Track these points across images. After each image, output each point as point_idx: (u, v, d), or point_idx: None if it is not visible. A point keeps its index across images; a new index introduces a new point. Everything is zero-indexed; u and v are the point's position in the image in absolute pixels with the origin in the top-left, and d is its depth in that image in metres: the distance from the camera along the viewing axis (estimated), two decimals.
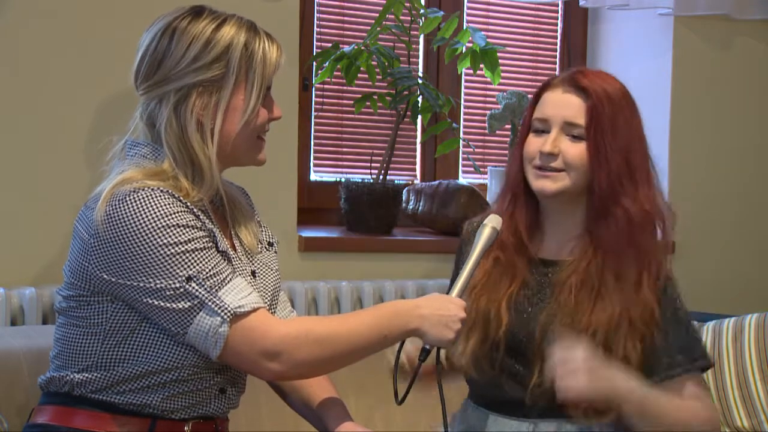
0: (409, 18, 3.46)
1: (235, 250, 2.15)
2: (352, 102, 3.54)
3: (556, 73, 4.08)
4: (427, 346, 2.10)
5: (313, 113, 3.66)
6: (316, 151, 3.69)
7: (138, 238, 1.97)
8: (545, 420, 2.23)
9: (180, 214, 2.00)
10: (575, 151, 2.21)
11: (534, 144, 2.24)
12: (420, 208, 3.60)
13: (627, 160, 2.21)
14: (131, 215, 1.97)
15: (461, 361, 2.25)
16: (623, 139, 2.22)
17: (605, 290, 2.20)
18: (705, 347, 2.29)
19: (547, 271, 2.27)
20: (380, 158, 3.57)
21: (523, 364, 2.23)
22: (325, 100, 3.68)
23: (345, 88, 3.58)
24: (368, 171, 3.57)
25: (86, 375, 2.05)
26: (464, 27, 3.66)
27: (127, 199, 1.98)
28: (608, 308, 2.18)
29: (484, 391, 2.29)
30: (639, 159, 2.24)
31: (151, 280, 1.97)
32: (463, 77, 3.90)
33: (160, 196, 1.99)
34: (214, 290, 1.99)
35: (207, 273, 1.99)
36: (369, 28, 3.49)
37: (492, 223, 2.19)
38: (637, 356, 2.18)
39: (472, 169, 3.82)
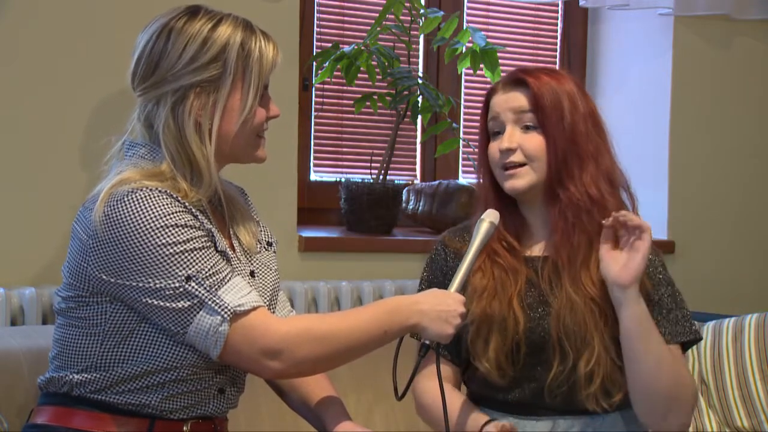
0: (409, 18, 3.46)
1: (234, 250, 2.15)
2: (352, 102, 3.54)
3: None
4: (427, 342, 2.11)
5: (313, 113, 3.66)
6: (316, 151, 3.69)
7: (136, 238, 1.97)
8: (560, 419, 2.26)
9: (178, 214, 2.00)
10: (533, 142, 2.27)
11: (493, 147, 2.30)
12: (420, 208, 3.60)
13: (574, 141, 2.27)
14: (129, 216, 1.97)
15: (485, 367, 2.25)
16: (568, 121, 2.26)
17: (569, 277, 2.25)
18: (691, 318, 2.33)
19: (541, 267, 2.30)
20: (380, 158, 3.57)
21: (542, 364, 2.25)
22: (325, 100, 3.69)
23: (345, 88, 3.58)
24: (368, 171, 3.57)
25: (85, 375, 2.05)
26: (464, 27, 3.66)
27: (125, 199, 1.98)
28: (568, 296, 2.24)
29: (500, 394, 2.30)
30: (584, 140, 2.28)
31: (150, 280, 1.97)
32: (463, 77, 3.90)
33: (158, 196, 1.99)
34: (213, 289, 1.99)
35: (206, 272, 1.99)
36: (369, 28, 3.49)
37: (489, 217, 2.21)
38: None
39: (472, 169, 3.82)
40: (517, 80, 2.30)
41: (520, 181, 2.27)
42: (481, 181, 2.36)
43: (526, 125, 2.28)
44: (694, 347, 3.07)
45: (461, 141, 3.64)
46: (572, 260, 2.26)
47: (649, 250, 2.18)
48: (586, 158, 2.27)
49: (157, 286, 1.97)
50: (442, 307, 2.09)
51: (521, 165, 2.27)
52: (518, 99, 2.29)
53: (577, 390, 2.23)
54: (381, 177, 3.52)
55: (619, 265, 2.18)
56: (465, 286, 2.18)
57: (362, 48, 3.39)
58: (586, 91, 2.34)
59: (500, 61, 3.49)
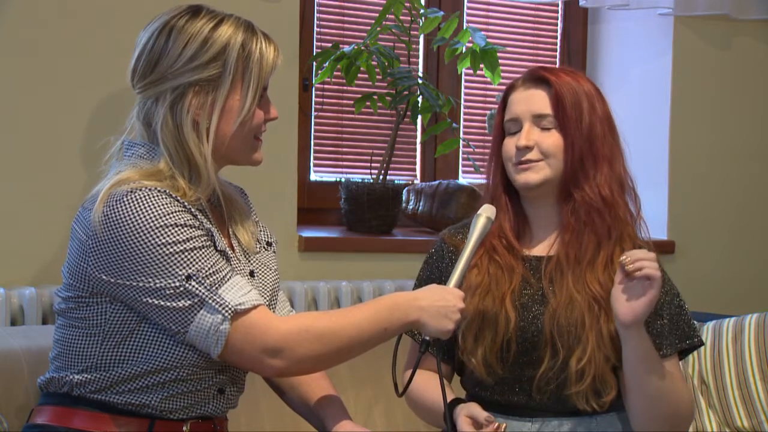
0: (409, 18, 3.46)
1: (233, 249, 2.15)
2: (352, 102, 3.55)
3: None
4: (427, 338, 2.11)
5: (313, 113, 3.66)
6: (316, 151, 3.70)
7: (136, 238, 1.96)
8: (550, 419, 2.26)
9: (177, 213, 2.00)
10: (550, 140, 2.28)
11: (509, 143, 2.31)
12: (420, 208, 3.60)
13: (591, 143, 2.28)
14: (129, 216, 1.97)
15: (472, 364, 2.26)
16: (586, 122, 2.28)
17: (573, 276, 2.26)
18: (693, 323, 2.34)
19: (541, 268, 2.30)
20: (380, 158, 3.57)
21: (532, 364, 2.25)
22: (325, 100, 3.69)
23: (345, 88, 3.58)
24: (368, 171, 3.57)
25: (86, 376, 2.05)
26: (464, 27, 3.66)
27: (125, 199, 1.98)
28: (569, 292, 2.25)
29: (490, 395, 2.30)
30: (601, 143, 2.29)
31: (150, 279, 1.97)
32: (463, 77, 3.90)
33: (157, 196, 1.99)
34: (214, 288, 1.99)
35: (206, 271, 1.99)
36: (369, 28, 3.49)
37: (486, 212, 2.22)
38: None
39: (472, 169, 3.82)
40: (538, 78, 2.31)
41: (535, 175, 2.28)
42: (491, 176, 2.37)
43: (544, 126, 2.29)
44: None
45: (461, 141, 3.64)
46: (579, 259, 2.26)
47: (656, 298, 2.15)
48: (601, 160, 2.28)
49: (158, 285, 1.97)
50: (442, 303, 2.09)
51: (538, 161, 2.28)
52: (539, 98, 2.29)
53: (567, 387, 2.23)
54: (381, 177, 3.52)
55: (625, 304, 2.16)
56: (462, 281, 2.19)
57: (362, 48, 3.39)
58: (602, 94, 2.35)
59: (500, 61, 3.49)
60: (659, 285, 2.14)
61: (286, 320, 2.06)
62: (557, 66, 2.34)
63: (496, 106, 3.67)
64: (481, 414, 2.17)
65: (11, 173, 2.95)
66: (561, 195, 2.30)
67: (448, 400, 2.18)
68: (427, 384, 2.30)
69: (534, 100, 2.30)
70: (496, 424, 2.16)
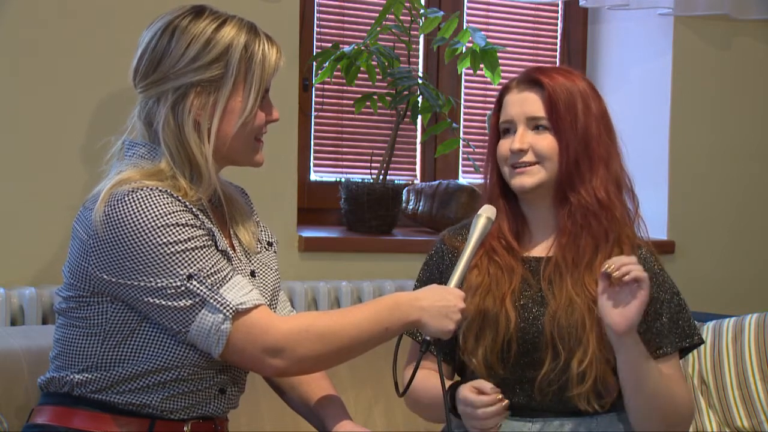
0: (409, 18, 3.46)
1: (234, 249, 2.15)
2: (352, 102, 3.55)
3: None
4: (428, 338, 2.11)
5: (313, 113, 3.66)
6: (316, 151, 3.70)
7: (137, 237, 1.97)
8: (551, 419, 2.26)
9: (179, 213, 2.00)
10: (544, 142, 2.27)
11: (504, 145, 2.31)
12: (420, 208, 3.60)
13: (586, 144, 2.27)
14: (130, 215, 1.97)
15: (473, 364, 2.26)
16: (581, 124, 2.27)
17: (571, 278, 2.26)
18: (693, 322, 2.34)
19: (540, 269, 2.30)
20: (380, 158, 3.57)
21: (532, 365, 2.25)
22: (325, 100, 3.69)
23: (345, 88, 3.58)
24: (368, 171, 3.57)
25: (86, 375, 2.05)
26: (464, 27, 3.66)
27: (126, 199, 1.98)
28: (568, 295, 2.25)
29: None
30: (596, 144, 2.28)
31: (151, 279, 1.97)
32: (463, 77, 3.90)
33: (158, 195, 1.99)
34: (215, 288, 1.99)
35: (208, 271, 1.99)
36: (369, 28, 3.49)
37: (486, 213, 2.22)
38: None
39: (472, 169, 3.82)
40: (532, 80, 2.30)
41: (529, 179, 2.27)
42: (488, 177, 2.37)
43: (538, 127, 2.28)
44: None
45: (461, 141, 3.64)
46: (577, 262, 2.26)
47: (647, 299, 2.15)
48: (597, 162, 2.27)
49: (159, 285, 1.97)
50: (443, 303, 2.10)
51: (532, 164, 2.27)
52: (532, 101, 2.28)
53: (568, 389, 2.23)
54: (381, 177, 3.52)
55: (615, 312, 2.16)
56: (463, 281, 2.19)
57: (362, 48, 3.39)
58: (598, 92, 2.34)
59: (500, 61, 3.49)
60: (648, 284, 2.14)
61: (287, 320, 2.07)
62: (555, 66, 2.31)
63: None
64: (488, 384, 2.17)
65: (11, 173, 2.95)
66: (557, 197, 2.30)
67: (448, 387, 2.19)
68: (427, 380, 2.29)
69: (528, 103, 2.29)
70: (500, 396, 2.16)
